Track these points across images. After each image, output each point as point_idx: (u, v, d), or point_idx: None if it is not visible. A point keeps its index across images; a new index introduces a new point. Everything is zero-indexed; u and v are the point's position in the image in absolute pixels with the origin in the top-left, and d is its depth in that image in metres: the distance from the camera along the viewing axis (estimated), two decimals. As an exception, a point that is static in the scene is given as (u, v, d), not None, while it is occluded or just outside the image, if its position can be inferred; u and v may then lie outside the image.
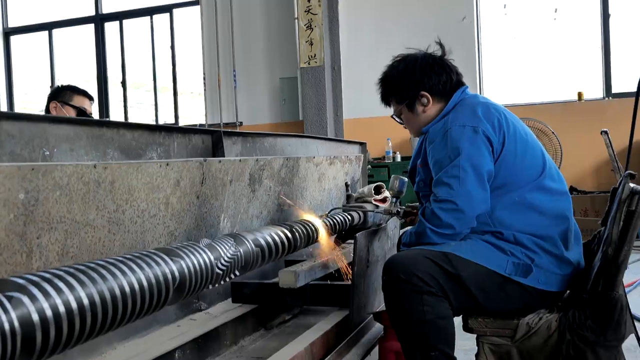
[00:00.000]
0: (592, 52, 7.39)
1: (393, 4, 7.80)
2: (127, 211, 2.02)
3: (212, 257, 1.68)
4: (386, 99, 2.40)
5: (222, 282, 1.77)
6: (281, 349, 2.02)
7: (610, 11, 7.24)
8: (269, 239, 2.05)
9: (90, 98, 3.58)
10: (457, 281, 1.94)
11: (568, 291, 2.13)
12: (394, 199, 2.48)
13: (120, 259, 1.39)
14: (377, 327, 2.58)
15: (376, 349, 2.42)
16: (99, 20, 9.73)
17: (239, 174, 2.64)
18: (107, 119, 3.75)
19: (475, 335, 2.09)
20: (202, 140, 2.75)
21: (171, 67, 9.31)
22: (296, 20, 7.77)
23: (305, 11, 7.65)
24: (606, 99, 7.27)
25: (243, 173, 2.68)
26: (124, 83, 9.59)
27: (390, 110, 2.49)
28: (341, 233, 2.84)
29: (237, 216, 2.70)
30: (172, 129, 2.54)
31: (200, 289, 1.64)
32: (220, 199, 2.53)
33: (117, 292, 1.29)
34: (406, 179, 2.46)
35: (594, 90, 7.33)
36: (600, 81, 7.34)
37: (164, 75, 9.44)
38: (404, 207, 2.49)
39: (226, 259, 1.74)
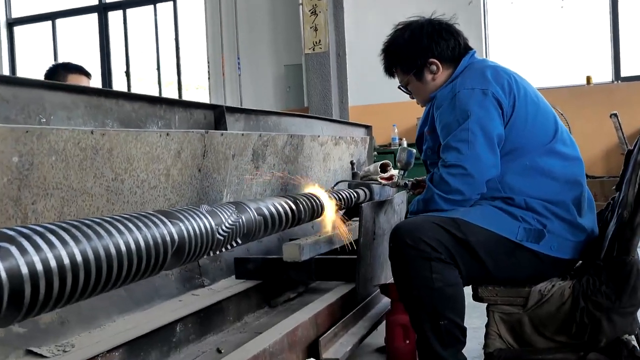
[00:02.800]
0: (600, 36, 7.28)
1: (398, -13, 7.71)
2: (126, 181, 1.96)
3: (212, 223, 1.62)
4: (390, 70, 2.32)
5: (223, 250, 1.72)
6: (286, 319, 1.97)
7: (619, -6, 7.14)
8: (272, 209, 1.99)
9: (87, 74, 3.41)
10: (466, 247, 1.88)
11: (580, 261, 2.06)
12: (402, 171, 2.42)
13: (117, 217, 1.33)
14: (384, 302, 2.52)
15: (383, 323, 2.37)
16: (102, 9, 9.67)
17: (242, 148, 2.58)
18: (106, 88, 3.66)
19: (483, 312, 2.03)
20: (204, 115, 2.69)
21: (175, 58, 9.24)
22: (300, 6, 7.69)
23: (310, -3, 7.58)
24: (615, 82, 7.18)
25: (246, 148, 2.62)
26: (127, 73, 9.54)
27: (397, 93, 2.42)
28: (347, 209, 2.78)
29: (240, 192, 2.64)
30: (173, 102, 2.48)
31: (200, 255, 1.59)
32: (222, 174, 2.48)
33: (113, 250, 1.24)
34: (414, 150, 2.39)
35: (603, 74, 7.24)
36: (609, 65, 7.24)
37: (168, 67, 9.37)
38: (412, 179, 2.42)
39: (227, 225, 1.69)
